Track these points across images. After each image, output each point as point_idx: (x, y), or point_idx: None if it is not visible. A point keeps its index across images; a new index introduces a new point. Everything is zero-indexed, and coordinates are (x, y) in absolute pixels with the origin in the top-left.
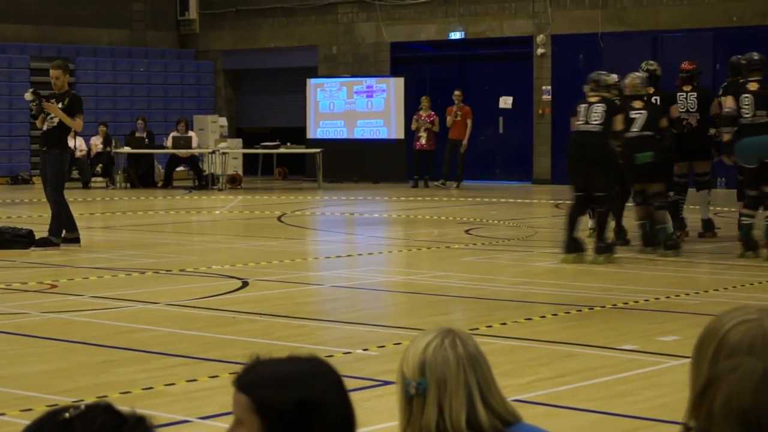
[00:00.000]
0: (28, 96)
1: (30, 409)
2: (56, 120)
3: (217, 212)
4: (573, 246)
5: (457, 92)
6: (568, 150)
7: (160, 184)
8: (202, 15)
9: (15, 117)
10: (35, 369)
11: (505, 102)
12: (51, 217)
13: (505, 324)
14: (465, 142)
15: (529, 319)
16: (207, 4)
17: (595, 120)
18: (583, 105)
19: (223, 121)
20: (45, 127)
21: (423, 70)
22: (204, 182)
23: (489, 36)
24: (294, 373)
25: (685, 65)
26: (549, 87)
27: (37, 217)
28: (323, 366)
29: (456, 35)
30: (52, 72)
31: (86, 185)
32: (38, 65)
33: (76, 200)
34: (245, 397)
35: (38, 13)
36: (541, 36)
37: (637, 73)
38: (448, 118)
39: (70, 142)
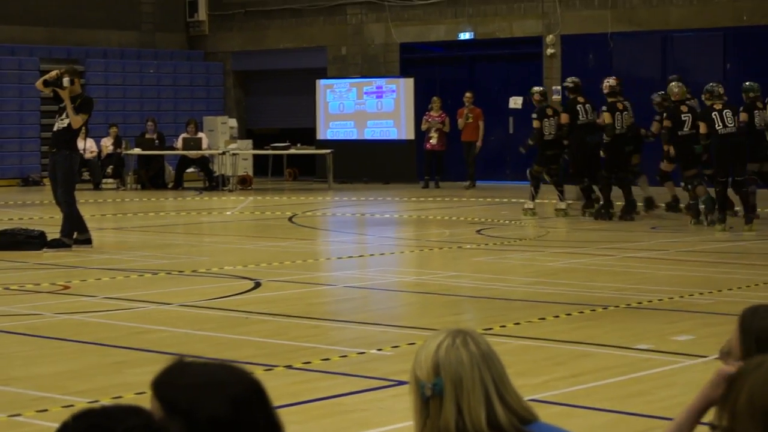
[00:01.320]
0: (39, 84)
1: (45, 410)
2: (66, 121)
3: (228, 213)
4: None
5: (468, 94)
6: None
7: (170, 186)
8: (211, 16)
9: (25, 119)
10: (50, 370)
11: (515, 102)
12: (62, 219)
13: (518, 324)
14: (479, 143)
15: (543, 318)
16: (216, 6)
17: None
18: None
19: (233, 122)
20: (55, 128)
21: (432, 71)
22: (214, 183)
23: (498, 36)
24: (210, 383)
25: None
26: (559, 87)
27: (48, 219)
28: (242, 376)
29: (465, 36)
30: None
31: (97, 186)
32: (48, 67)
33: (87, 201)
34: (159, 401)
35: (48, 15)
36: (551, 36)
37: (679, 83)
38: (460, 121)
39: (80, 144)
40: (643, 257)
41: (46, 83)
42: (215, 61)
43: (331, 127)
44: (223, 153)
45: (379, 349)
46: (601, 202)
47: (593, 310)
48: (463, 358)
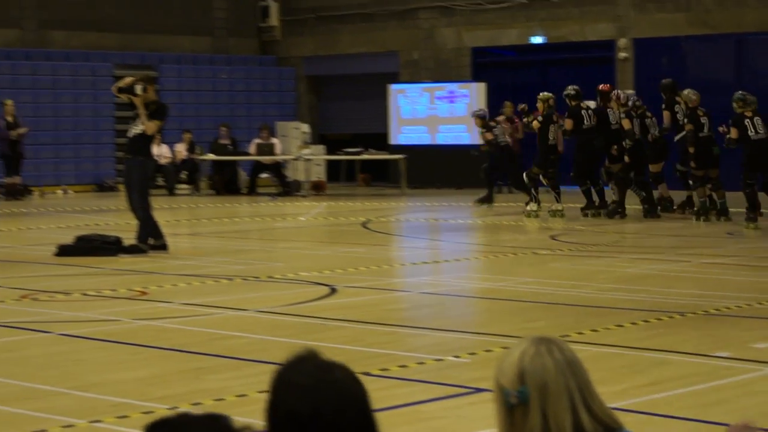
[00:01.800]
0: (114, 89)
1: (125, 416)
2: (140, 128)
3: (301, 219)
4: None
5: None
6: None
7: (244, 191)
8: (284, 21)
9: (100, 125)
10: (129, 376)
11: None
12: (138, 225)
13: (596, 331)
14: (561, 148)
15: (620, 325)
16: (288, 11)
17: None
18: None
19: (306, 127)
20: (129, 134)
21: (504, 75)
22: (288, 189)
23: (571, 40)
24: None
25: None
26: (632, 91)
27: (124, 224)
28: (344, 373)
29: (537, 40)
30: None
31: (171, 192)
32: (122, 73)
33: (162, 207)
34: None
35: (122, 21)
36: (624, 40)
37: (695, 90)
38: (534, 123)
39: (155, 150)
40: (720, 263)
41: (120, 90)
42: (288, 66)
43: (404, 132)
44: (297, 158)
45: (456, 356)
46: (616, 202)
47: (671, 317)
48: (549, 365)
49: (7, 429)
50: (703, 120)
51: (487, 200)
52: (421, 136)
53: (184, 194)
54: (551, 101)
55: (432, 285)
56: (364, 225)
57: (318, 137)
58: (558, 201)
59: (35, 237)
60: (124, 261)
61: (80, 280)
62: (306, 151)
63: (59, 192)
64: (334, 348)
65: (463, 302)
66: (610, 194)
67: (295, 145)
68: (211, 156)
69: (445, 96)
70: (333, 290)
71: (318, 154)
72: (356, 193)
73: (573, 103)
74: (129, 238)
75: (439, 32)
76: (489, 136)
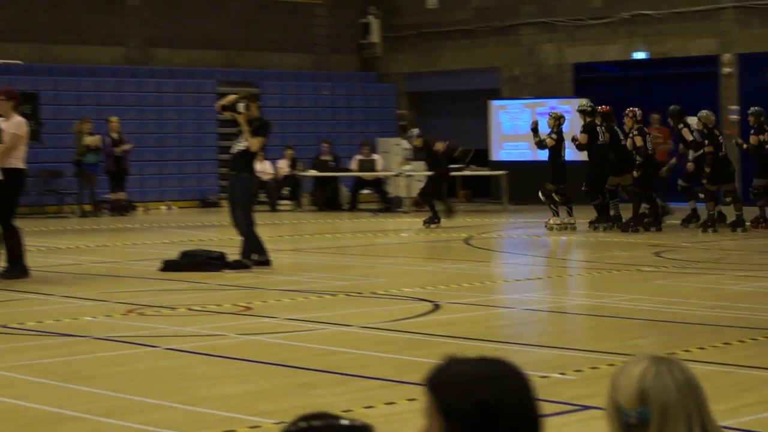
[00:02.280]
0: (218, 107)
1: (232, 431)
2: (244, 144)
3: (403, 235)
4: None
5: (655, 115)
6: None
7: (345, 207)
8: (385, 38)
9: (203, 141)
10: (236, 390)
11: (691, 122)
12: (242, 240)
13: (703, 349)
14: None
15: (727, 343)
16: (389, 28)
17: None
18: None
19: (407, 143)
20: (233, 151)
21: (606, 91)
22: (389, 205)
23: (673, 56)
24: (479, 375)
25: None
26: (736, 107)
27: (227, 240)
28: (510, 369)
29: (640, 55)
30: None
31: (273, 208)
32: (225, 90)
33: (264, 223)
34: (430, 397)
35: (225, 38)
36: (727, 55)
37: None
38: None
39: (257, 166)
40: None
41: (223, 108)
42: (389, 83)
43: (505, 148)
44: (398, 174)
45: (562, 373)
46: (630, 216)
47: None
48: (671, 386)
49: None
50: (720, 139)
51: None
52: (522, 152)
53: (286, 210)
54: (562, 119)
55: (535, 301)
56: (466, 241)
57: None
58: (570, 215)
59: (140, 252)
60: (228, 276)
61: (185, 295)
62: (407, 167)
63: (163, 208)
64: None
65: (566, 319)
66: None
67: (396, 161)
68: (312, 172)
69: (546, 112)
70: (436, 306)
71: (419, 171)
72: (458, 209)
73: (588, 119)
74: (233, 254)
75: (540, 48)
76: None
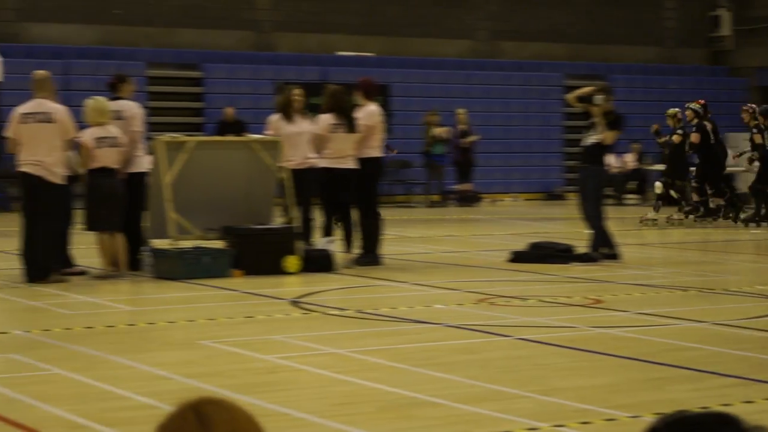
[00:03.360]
0: (572, 98)
1: (588, 422)
2: (596, 137)
3: (754, 231)
4: None
5: None
6: None
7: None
8: (736, 31)
9: (549, 133)
10: (590, 382)
11: None
12: (591, 233)
13: None
14: None
15: None
16: (741, 20)
17: None
18: None
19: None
20: (584, 143)
21: None
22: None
23: None
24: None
25: None
26: None
27: (573, 233)
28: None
29: None
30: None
31: (619, 201)
32: (571, 83)
33: (610, 217)
34: None
35: (572, 31)
36: None
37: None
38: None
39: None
40: None
41: (579, 99)
42: (739, 77)
43: None
44: (747, 170)
45: None
46: (754, 210)
47: None
48: None
49: (472, 428)
50: None
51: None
52: None
53: (633, 204)
54: (678, 115)
55: None
56: None
57: None
58: (657, 210)
59: (487, 243)
60: (576, 269)
61: (534, 286)
62: (756, 163)
63: (508, 199)
64: None
65: None
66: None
67: (745, 157)
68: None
69: None
70: None
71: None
72: None
73: (696, 120)
74: (579, 247)
75: None
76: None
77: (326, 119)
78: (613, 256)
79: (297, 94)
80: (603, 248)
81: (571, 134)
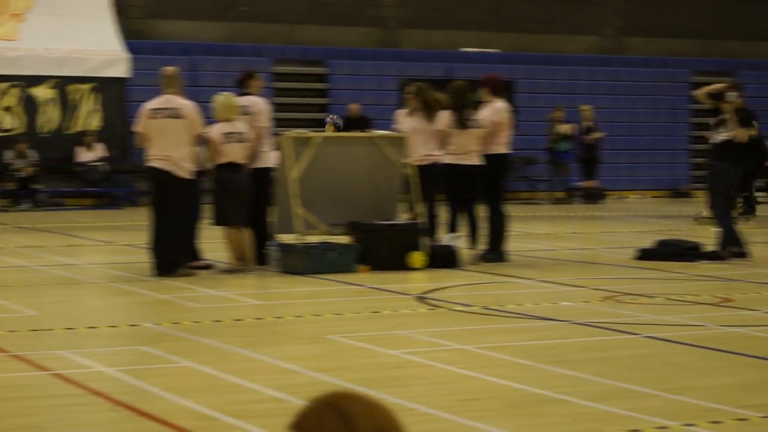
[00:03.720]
0: (701, 94)
1: (719, 422)
2: (726, 134)
3: None
4: None
5: None
6: None
7: None
8: None
9: (676, 130)
10: (721, 382)
11: None
12: (719, 232)
13: None
14: None
15: None
16: None
17: None
18: None
19: None
20: (714, 141)
21: None
22: None
23: None
24: None
25: None
26: None
27: (701, 230)
28: None
29: None
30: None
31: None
32: (700, 80)
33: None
34: None
35: (701, 27)
36: None
37: None
38: None
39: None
40: None
41: (709, 95)
42: None
43: None
44: None
45: None
46: None
47: None
48: None
49: (601, 426)
50: None
51: None
52: None
53: (763, 202)
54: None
55: None
56: None
57: None
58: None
59: (614, 240)
60: (704, 267)
61: (661, 284)
62: None
63: (634, 196)
64: None
65: None
66: None
67: None
68: None
69: None
70: None
71: None
72: None
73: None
74: (707, 245)
75: None
76: None
77: (449, 115)
78: (742, 255)
79: (410, 91)
80: (732, 246)
81: (698, 131)
